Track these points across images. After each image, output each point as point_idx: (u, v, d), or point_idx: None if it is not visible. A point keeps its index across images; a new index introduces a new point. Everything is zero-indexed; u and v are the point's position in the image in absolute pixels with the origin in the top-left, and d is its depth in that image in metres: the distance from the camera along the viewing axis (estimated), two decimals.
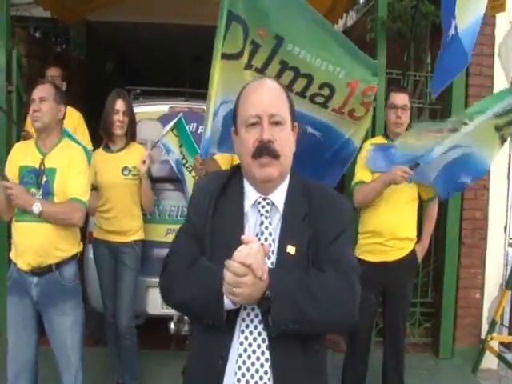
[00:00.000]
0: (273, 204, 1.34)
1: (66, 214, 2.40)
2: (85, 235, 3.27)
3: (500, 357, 3.71)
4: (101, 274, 3.17)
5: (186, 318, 3.51)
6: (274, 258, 1.29)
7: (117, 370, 3.24)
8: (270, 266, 1.25)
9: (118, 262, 3.11)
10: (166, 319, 3.55)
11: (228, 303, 1.21)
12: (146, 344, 3.41)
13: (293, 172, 1.39)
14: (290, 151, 1.34)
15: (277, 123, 1.29)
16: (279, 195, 1.35)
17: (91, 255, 3.27)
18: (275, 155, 1.28)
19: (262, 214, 1.32)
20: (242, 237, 1.16)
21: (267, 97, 1.32)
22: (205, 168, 2.63)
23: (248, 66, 2.41)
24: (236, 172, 1.40)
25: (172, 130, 3.22)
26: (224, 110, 2.45)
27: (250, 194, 1.35)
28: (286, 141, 1.31)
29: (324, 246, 1.29)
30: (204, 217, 1.32)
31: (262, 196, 1.34)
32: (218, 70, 2.34)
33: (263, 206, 1.33)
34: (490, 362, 3.82)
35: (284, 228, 1.30)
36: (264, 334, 1.24)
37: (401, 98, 2.90)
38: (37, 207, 2.30)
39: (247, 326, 1.26)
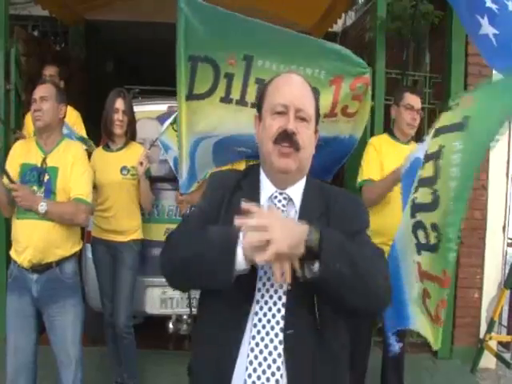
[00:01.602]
0: (290, 199, 1.32)
1: (72, 214, 2.42)
2: (83, 234, 3.27)
3: (498, 356, 3.72)
4: (99, 273, 3.16)
5: (184, 317, 3.51)
6: None
7: (115, 370, 3.23)
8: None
9: (116, 262, 3.10)
10: (165, 319, 3.55)
11: (241, 263, 1.14)
12: (145, 344, 3.40)
13: (309, 174, 1.38)
14: (310, 149, 1.34)
15: (302, 119, 1.29)
16: (296, 191, 1.33)
17: (89, 255, 3.27)
18: (297, 147, 1.27)
19: (278, 208, 1.30)
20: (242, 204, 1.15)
21: (297, 91, 1.32)
22: (191, 199, 2.72)
23: (227, 100, 2.40)
24: (251, 170, 1.40)
25: (172, 124, 3.21)
26: (212, 140, 2.52)
27: (267, 188, 1.34)
28: (308, 138, 1.31)
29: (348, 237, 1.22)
30: (217, 209, 1.31)
31: (279, 190, 1.32)
32: (185, 113, 2.39)
33: (279, 200, 1.32)
34: (488, 361, 3.82)
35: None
36: (277, 328, 1.21)
37: (417, 101, 2.92)
38: (42, 207, 2.32)
39: (260, 320, 1.22)
